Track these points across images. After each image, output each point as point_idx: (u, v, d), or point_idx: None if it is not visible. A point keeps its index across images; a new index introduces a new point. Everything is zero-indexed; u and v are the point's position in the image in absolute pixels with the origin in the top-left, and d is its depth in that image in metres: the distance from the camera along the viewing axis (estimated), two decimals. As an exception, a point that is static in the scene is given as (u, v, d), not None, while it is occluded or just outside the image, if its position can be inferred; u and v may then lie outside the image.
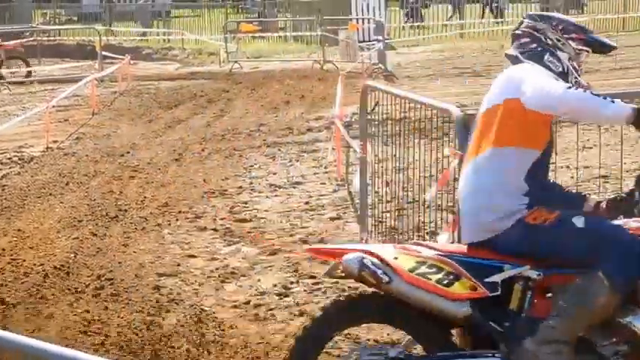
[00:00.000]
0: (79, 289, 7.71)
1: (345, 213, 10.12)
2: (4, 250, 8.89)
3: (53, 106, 17.00)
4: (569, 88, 4.60)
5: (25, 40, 29.49)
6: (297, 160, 13.31)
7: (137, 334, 6.70)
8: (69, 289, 7.71)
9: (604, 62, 19.45)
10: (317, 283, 7.80)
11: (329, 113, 16.19)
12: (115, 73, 22.95)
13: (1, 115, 18.67)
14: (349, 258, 4.77)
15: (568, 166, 9.71)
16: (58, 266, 8.27)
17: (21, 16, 41.34)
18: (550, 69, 4.88)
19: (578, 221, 4.70)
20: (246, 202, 10.84)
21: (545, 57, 4.93)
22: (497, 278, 4.70)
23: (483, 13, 39.14)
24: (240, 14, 45.53)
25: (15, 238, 9.31)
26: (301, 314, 7.12)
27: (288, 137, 15.26)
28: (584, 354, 4.68)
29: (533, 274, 4.71)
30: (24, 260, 8.51)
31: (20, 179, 12.50)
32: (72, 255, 8.65)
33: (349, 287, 7.62)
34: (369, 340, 6.39)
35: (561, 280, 4.71)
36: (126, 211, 10.45)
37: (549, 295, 4.76)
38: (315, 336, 4.86)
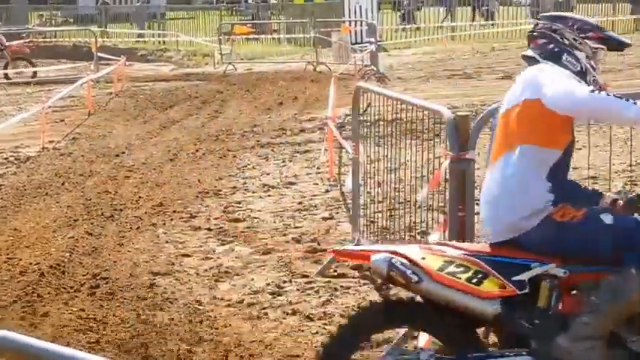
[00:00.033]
0: (74, 288, 7.74)
1: (337, 213, 10.16)
2: (0, 249, 8.92)
3: (49, 107, 17.04)
4: (592, 91, 4.58)
5: (22, 41, 29.55)
6: (290, 161, 13.35)
7: (132, 333, 6.73)
8: (64, 288, 7.74)
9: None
10: (309, 282, 7.87)
11: (322, 114, 16.25)
12: (111, 75, 22.96)
13: (-2, 116, 18.72)
14: (378, 259, 4.74)
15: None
16: (54, 265, 8.29)
17: (18, 17, 41.41)
18: (568, 68, 4.89)
19: (606, 218, 4.70)
20: (239, 202, 10.87)
21: (564, 57, 4.93)
22: (524, 276, 4.69)
23: (474, 16, 39.23)
24: (234, 16, 45.64)
25: (11, 237, 9.34)
26: (294, 313, 7.17)
27: (282, 138, 15.30)
28: (614, 349, 4.68)
29: (560, 271, 4.70)
30: (20, 259, 8.54)
31: (16, 179, 12.53)
32: (67, 254, 8.67)
33: (341, 287, 7.72)
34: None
35: (587, 278, 4.71)
36: (121, 210, 10.49)
37: (574, 292, 4.77)
38: (346, 341, 4.82)
